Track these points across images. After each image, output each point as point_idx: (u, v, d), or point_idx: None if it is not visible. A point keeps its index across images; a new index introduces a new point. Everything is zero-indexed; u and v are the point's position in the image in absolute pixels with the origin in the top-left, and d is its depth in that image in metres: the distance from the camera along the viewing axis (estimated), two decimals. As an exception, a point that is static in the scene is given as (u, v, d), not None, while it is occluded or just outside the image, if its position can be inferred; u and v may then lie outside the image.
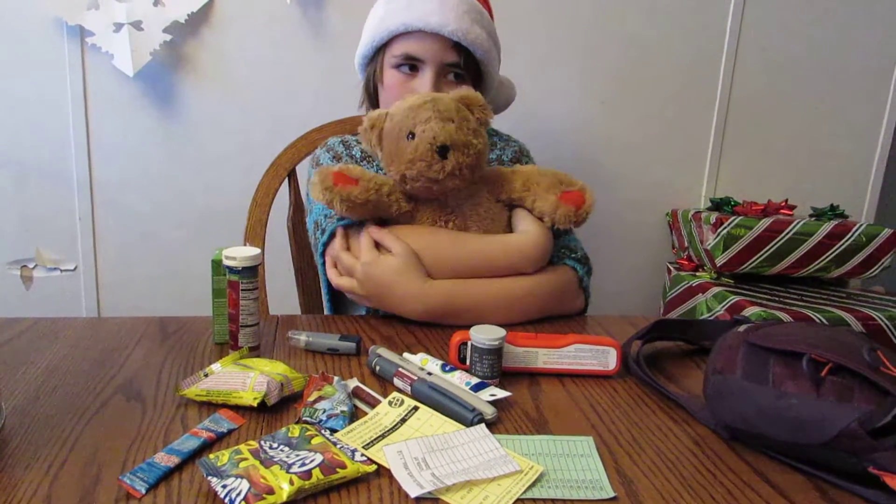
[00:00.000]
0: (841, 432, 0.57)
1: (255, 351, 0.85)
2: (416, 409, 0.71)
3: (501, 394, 0.73)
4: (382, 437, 0.66)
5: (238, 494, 0.54)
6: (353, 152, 1.15)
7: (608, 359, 0.81)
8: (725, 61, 1.97)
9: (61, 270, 1.84)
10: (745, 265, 1.77)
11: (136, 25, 1.70)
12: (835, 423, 0.57)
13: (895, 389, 0.58)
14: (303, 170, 1.38)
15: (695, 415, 0.72)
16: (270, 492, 0.55)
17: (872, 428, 0.57)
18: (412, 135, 0.93)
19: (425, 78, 1.06)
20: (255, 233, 1.32)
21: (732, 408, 0.66)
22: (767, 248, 1.75)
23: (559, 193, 1.00)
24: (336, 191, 0.92)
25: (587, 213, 1.00)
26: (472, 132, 0.95)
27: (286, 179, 1.36)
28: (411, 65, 1.08)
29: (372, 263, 0.96)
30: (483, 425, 0.67)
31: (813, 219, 1.84)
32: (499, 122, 1.37)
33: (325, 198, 0.93)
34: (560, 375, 0.82)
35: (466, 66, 1.07)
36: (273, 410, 0.71)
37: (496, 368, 0.77)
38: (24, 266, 1.83)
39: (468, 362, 0.79)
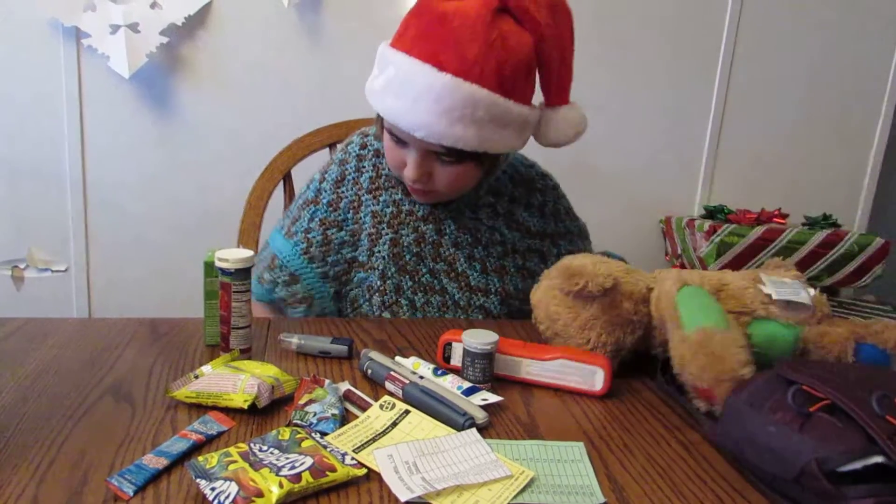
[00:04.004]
0: (802, 470, 0.56)
1: (246, 353, 0.85)
2: (407, 412, 0.70)
3: (493, 398, 0.73)
4: (373, 440, 0.66)
5: (227, 497, 0.54)
6: (365, 165, 1.11)
7: (595, 379, 0.77)
8: (721, 71, 1.98)
9: (53, 271, 1.84)
10: (738, 273, 1.78)
11: (133, 27, 1.70)
12: (798, 459, 0.56)
13: (882, 439, 0.55)
14: (298, 173, 1.38)
15: (708, 434, 0.70)
16: (259, 495, 0.54)
17: (841, 472, 0.54)
18: None
19: (411, 159, 0.98)
20: (249, 235, 1.32)
21: (727, 430, 0.65)
22: (760, 256, 1.76)
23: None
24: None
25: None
26: None
27: (281, 182, 1.36)
28: (399, 140, 0.99)
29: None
30: (474, 430, 0.67)
31: (806, 227, 1.85)
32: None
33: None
34: (552, 381, 0.82)
35: (457, 152, 0.95)
36: (263, 413, 0.71)
37: (488, 373, 0.77)
38: (16, 266, 1.82)
39: (454, 362, 0.79)
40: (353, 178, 1.10)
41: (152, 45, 1.70)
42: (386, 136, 1.01)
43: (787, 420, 0.59)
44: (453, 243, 1.09)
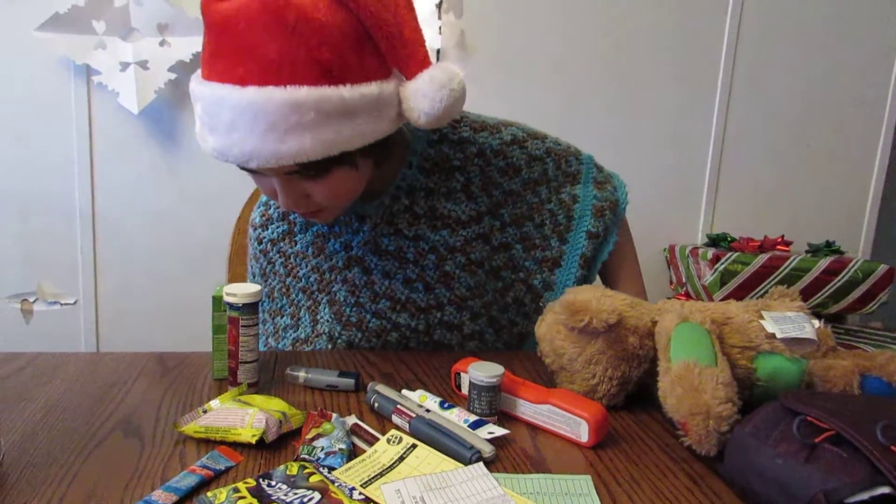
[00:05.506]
0: (809, 502, 0.56)
1: (254, 387, 0.86)
2: (414, 446, 0.71)
3: (500, 431, 0.73)
4: (381, 475, 0.66)
5: (236, 533, 0.54)
6: (272, 257, 1.07)
7: (580, 430, 0.74)
8: (720, 98, 2.00)
9: (61, 304, 1.85)
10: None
11: (142, 64, 1.74)
12: (805, 491, 0.56)
13: (888, 470, 0.55)
14: None
15: (715, 466, 0.70)
16: (268, 530, 0.54)
17: (848, 503, 0.54)
18: None
19: (277, 186, 0.86)
20: (238, 258, 1.36)
21: (733, 462, 0.65)
22: (764, 284, 1.76)
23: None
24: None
25: None
26: None
27: None
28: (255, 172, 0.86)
29: None
30: (481, 464, 0.67)
31: (809, 255, 1.86)
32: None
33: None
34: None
35: (314, 165, 0.81)
36: (271, 448, 0.71)
37: (494, 406, 0.78)
38: (25, 300, 1.84)
39: (464, 391, 0.80)
40: (272, 270, 1.07)
41: (161, 81, 1.73)
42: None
43: (792, 451, 0.60)
44: (384, 275, 1.00)
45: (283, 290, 1.06)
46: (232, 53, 0.76)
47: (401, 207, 0.99)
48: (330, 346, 1.01)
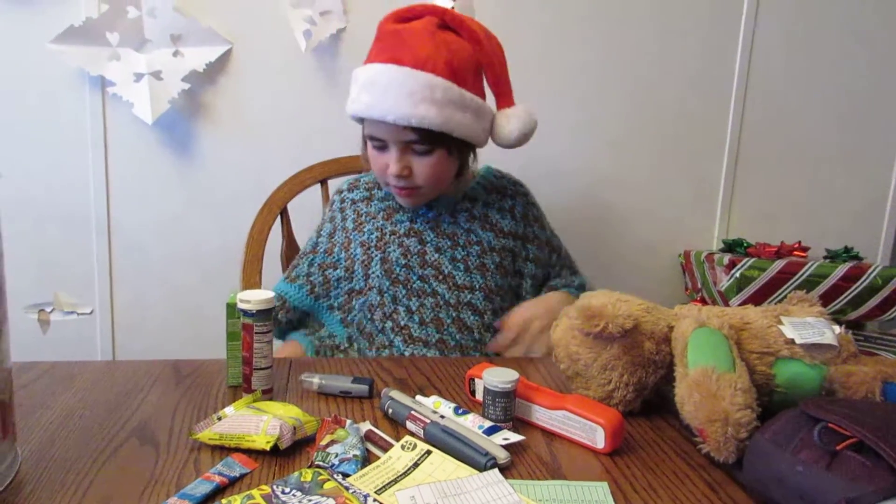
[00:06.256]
0: None
1: (268, 394, 0.86)
2: (428, 453, 0.70)
3: (514, 437, 0.73)
4: (395, 481, 0.65)
5: (250, 540, 0.54)
6: (347, 213, 1.30)
7: (596, 436, 0.74)
8: (735, 102, 1.99)
9: (78, 314, 1.86)
10: (760, 307, 1.76)
11: (156, 75, 1.75)
12: (827, 500, 0.55)
13: None
14: (294, 208, 1.47)
15: (733, 473, 0.69)
16: (283, 537, 0.54)
17: None
18: None
19: (392, 155, 1.15)
20: (253, 267, 1.41)
21: (753, 469, 0.64)
22: (782, 290, 1.74)
23: None
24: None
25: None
26: None
27: (279, 216, 1.46)
28: (379, 143, 1.16)
29: None
30: (496, 470, 0.67)
31: (827, 261, 1.83)
32: (510, 162, 1.39)
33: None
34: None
35: (428, 138, 1.12)
36: (286, 454, 0.71)
37: (509, 411, 0.77)
38: (42, 310, 1.85)
39: (478, 396, 0.80)
40: (341, 227, 1.29)
41: (174, 91, 1.75)
42: (370, 148, 1.19)
43: (814, 459, 0.59)
44: (436, 249, 1.23)
45: (346, 243, 1.27)
46: (397, 47, 1.11)
47: (463, 207, 1.27)
48: (379, 299, 1.22)
